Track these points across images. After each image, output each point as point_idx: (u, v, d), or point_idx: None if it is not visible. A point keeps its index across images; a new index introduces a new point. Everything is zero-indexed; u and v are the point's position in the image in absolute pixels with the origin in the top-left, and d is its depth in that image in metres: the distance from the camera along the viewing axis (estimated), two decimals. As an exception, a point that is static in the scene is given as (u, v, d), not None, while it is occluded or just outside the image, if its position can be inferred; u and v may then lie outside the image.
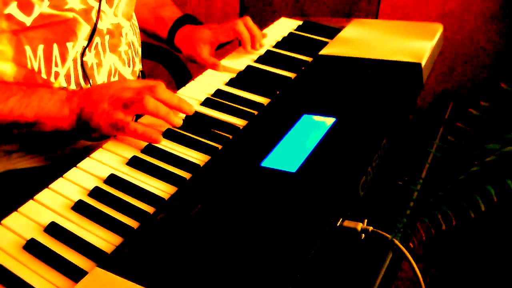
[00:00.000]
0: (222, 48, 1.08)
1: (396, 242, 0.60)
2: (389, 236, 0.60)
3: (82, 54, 0.88)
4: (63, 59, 0.86)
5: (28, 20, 0.80)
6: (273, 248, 0.57)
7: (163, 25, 1.11)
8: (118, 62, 0.95)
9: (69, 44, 0.86)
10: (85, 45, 0.88)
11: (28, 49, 0.82)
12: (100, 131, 0.77)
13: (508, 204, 0.53)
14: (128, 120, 0.76)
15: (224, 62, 1.01)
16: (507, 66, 1.87)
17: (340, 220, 0.63)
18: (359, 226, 0.62)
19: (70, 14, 0.84)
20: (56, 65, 0.85)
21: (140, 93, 0.76)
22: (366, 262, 0.63)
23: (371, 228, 0.62)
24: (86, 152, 0.78)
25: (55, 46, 0.84)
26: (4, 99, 0.78)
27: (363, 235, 0.62)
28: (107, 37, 0.92)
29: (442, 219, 0.55)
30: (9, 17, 0.79)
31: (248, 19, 1.04)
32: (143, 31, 1.14)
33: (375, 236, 0.61)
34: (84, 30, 0.87)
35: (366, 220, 0.62)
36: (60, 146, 0.94)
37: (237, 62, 1.01)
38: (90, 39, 0.88)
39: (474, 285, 1.51)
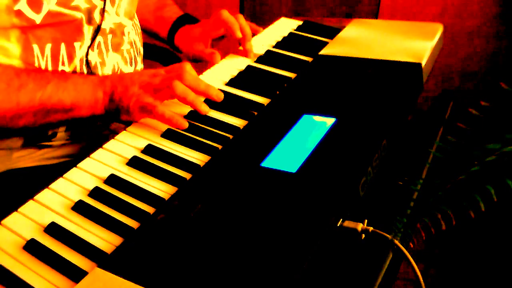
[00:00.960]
0: (224, 49, 1.08)
1: (396, 242, 0.60)
2: (389, 236, 0.60)
3: (87, 54, 0.88)
4: (70, 58, 0.86)
5: (38, 18, 0.80)
6: (273, 248, 0.57)
7: (164, 26, 1.12)
8: (120, 61, 0.96)
9: (76, 44, 0.86)
10: (88, 44, 0.88)
11: (36, 47, 0.82)
12: (129, 113, 0.81)
13: (508, 204, 0.53)
14: (157, 104, 0.79)
15: (224, 61, 1.01)
16: (507, 66, 1.87)
17: (341, 220, 0.63)
18: (359, 226, 0.62)
19: (78, 14, 0.85)
20: (63, 64, 0.86)
21: (169, 79, 0.80)
22: (366, 262, 0.63)
23: (371, 228, 0.62)
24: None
25: (62, 46, 0.85)
26: (43, 86, 0.80)
27: (363, 235, 0.62)
28: (109, 36, 0.92)
29: (442, 219, 0.55)
30: (19, 13, 0.79)
31: (240, 16, 1.03)
32: (144, 31, 1.14)
33: (375, 236, 0.61)
34: (90, 30, 0.88)
35: (366, 220, 0.62)
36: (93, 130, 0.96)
37: (237, 61, 1.01)
38: (94, 38, 0.89)
39: (474, 285, 1.51)
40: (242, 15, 1.03)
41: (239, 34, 1.01)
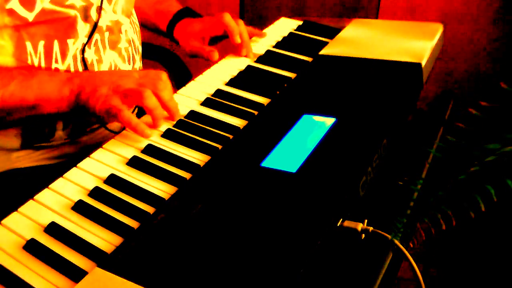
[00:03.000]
0: (225, 49, 1.08)
1: (396, 242, 0.60)
2: (389, 236, 0.60)
3: (83, 51, 0.88)
4: (63, 55, 0.86)
5: (30, 16, 0.80)
6: (273, 248, 0.57)
7: (163, 18, 1.12)
8: (118, 59, 0.95)
9: (69, 41, 0.86)
10: (85, 42, 0.88)
11: (29, 45, 0.82)
12: (95, 114, 0.78)
13: (508, 204, 0.53)
14: (123, 108, 0.76)
15: (225, 61, 1.01)
16: (507, 66, 1.87)
17: (341, 220, 0.63)
18: (359, 226, 0.62)
19: (72, 12, 0.85)
20: (56, 61, 0.86)
21: (143, 86, 0.77)
22: (366, 262, 0.63)
23: (371, 228, 0.62)
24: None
25: (55, 43, 0.85)
26: (5, 84, 0.79)
27: (363, 235, 0.62)
28: (106, 34, 0.92)
29: (442, 219, 0.55)
30: (11, 12, 0.79)
31: (241, 22, 1.04)
32: (144, 26, 1.15)
33: (375, 236, 0.61)
34: (84, 27, 0.87)
35: (366, 220, 0.62)
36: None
37: (237, 61, 1.01)
38: (90, 35, 0.89)
39: (474, 285, 1.51)
40: (243, 18, 1.04)
41: (237, 40, 1.01)
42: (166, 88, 0.79)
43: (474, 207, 0.53)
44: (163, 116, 0.80)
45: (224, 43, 1.08)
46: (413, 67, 0.91)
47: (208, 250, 0.58)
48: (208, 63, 1.02)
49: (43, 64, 0.84)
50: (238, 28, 1.02)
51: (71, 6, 0.85)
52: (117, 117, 0.76)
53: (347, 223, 0.62)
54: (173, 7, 1.13)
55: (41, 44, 0.83)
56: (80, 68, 0.89)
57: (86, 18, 0.87)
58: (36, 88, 0.79)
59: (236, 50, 1.03)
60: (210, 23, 1.05)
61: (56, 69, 0.85)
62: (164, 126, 0.81)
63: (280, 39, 1.09)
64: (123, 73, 0.81)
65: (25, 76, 0.80)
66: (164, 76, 0.80)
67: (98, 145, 0.77)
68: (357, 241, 0.62)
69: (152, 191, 0.69)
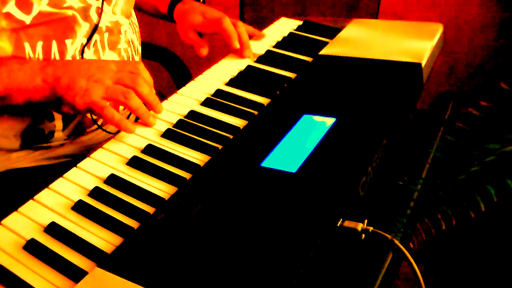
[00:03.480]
0: (224, 48, 1.09)
1: (396, 242, 0.60)
2: (389, 236, 0.60)
3: (82, 52, 0.88)
4: (62, 56, 0.86)
5: (27, 19, 0.80)
6: (273, 248, 0.57)
7: (163, 0, 1.13)
8: (117, 60, 0.95)
9: (68, 41, 0.86)
10: (84, 43, 0.88)
11: (27, 45, 0.82)
12: (74, 108, 0.77)
13: (508, 204, 0.53)
14: (105, 104, 0.76)
15: (225, 61, 1.01)
16: (507, 66, 1.87)
17: (340, 220, 0.63)
18: (359, 226, 0.62)
19: (69, 12, 0.85)
20: None
21: (121, 80, 0.77)
22: (366, 262, 0.63)
23: (371, 228, 0.62)
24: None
25: (54, 43, 0.84)
26: None
27: (363, 235, 0.62)
28: (106, 35, 0.92)
29: (442, 219, 0.55)
30: (8, 15, 0.79)
31: (240, 23, 1.04)
32: (140, 10, 1.15)
33: (375, 236, 0.61)
34: (83, 27, 0.87)
35: (366, 220, 0.62)
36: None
37: (237, 61, 1.01)
38: (90, 36, 0.88)
39: (474, 285, 1.51)
40: (243, 18, 1.04)
41: (236, 45, 1.02)
42: (144, 84, 0.78)
43: (474, 207, 0.53)
44: (148, 113, 0.81)
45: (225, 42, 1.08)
46: (413, 67, 0.91)
47: (208, 250, 0.58)
48: (208, 63, 1.02)
49: None
50: (236, 33, 1.02)
51: (69, 8, 0.85)
52: (101, 115, 0.76)
53: (347, 223, 0.62)
54: None
55: (39, 44, 0.83)
56: None
57: (85, 18, 0.87)
58: (5, 77, 0.77)
59: (236, 51, 1.03)
60: (210, 21, 1.06)
61: (29, 57, 0.83)
62: (164, 126, 0.81)
63: (280, 39, 1.09)
64: (101, 64, 0.79)
65: None
66: (141, 67, 0.80)
67: (98, 145, 0.77)
68: (357, 241, 0.62)
69: (152, 191, 0.69)
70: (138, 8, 1.15)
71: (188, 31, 1.08)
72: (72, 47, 0.86)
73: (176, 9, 1.10)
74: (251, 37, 1.07)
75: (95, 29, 0.89)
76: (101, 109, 0.75)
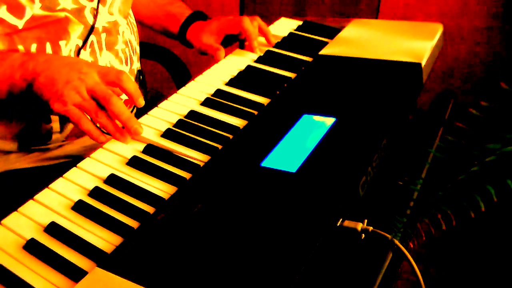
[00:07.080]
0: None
1: (396, 242, 0.60)
2: (389, 236, 0.60)
3: (78, 53, 0.88)
4: None
5: (20, 23, 0.80)
6: (273, 248, 0.57)
7: (175, 21, 1.13)
8: (114, 60, 0.95)
9: (62, 43, 0.85)
10: (79, 44, 0.88)
11: (21, 48, 0.82)
12: (48, 108, 0.75)
13: (508, 204, 0.53)
14: (81, 116, 0.74)
15: (224, 61, 1.01)
16: (507, 66, 1.87)
17: (340, 220, 0.63)
18: (359, 226, 0.62)
19: (62, 14, 0.84)
20: None
21: (96, 95, 0.74)
22: (366, 262, 0.63)
23: (371, 228, 0.62)
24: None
25: (48, 45, 0.84)
26: None
27: (363, 235, 0.62)
28: (103, 35, 0.92)
29: (442, 219, 0.55)
30: (0, 21, 0.78)
31: (257, 18, 1.06)
32: (151, 28, 1.16)
33: (375, 236, 0.61)
34: (77, 28, 0.87)
35: (366, 220, 0.62)
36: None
37: (237, 61, 1.01)
38: (87, 38, 0.88)
39: (474, 285, 1.51)
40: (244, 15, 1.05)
41: (255, 44, 1.04)
42: (116, 103, 0.74)
43: (474, 207, 0.53)
44: (121, 131, 0.77)
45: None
46: (413, 67, 0.91)
47: (208, 250, 0.58)
48: (208, 63, 1.02)
49: None
50: (256, 32, 1.04)
51: (62, 10, 0.84)
52: (77, 125, 0.74)
53: (347, 223, 0.62)
54: (184, 10, 1.15)
55: (33, 47, 0.83)
56: None
57: (80, 19, 0.87)
58: None
59: (247, 47, 1.05)
60: (226, 22, 1.07)
61: (11, 51, 0.81)
62: (164, 126, 0.81)
63: (280, 39, 1.09)
64: (83, 70, 0.75)
65: None
66: (124, 77, 0.76)
67: (97, 145, 0.77)
68: (357, 241, 0.62)
69: (152, 191, 0.69)
70: (145, 25, 1.15)
71: (204, 37, 1.07)
72: (66, 48, 0.86)
73: (189, 31, 1.11)
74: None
75: (91, 30, 0.88)
76: (77, 120, 0.74)
